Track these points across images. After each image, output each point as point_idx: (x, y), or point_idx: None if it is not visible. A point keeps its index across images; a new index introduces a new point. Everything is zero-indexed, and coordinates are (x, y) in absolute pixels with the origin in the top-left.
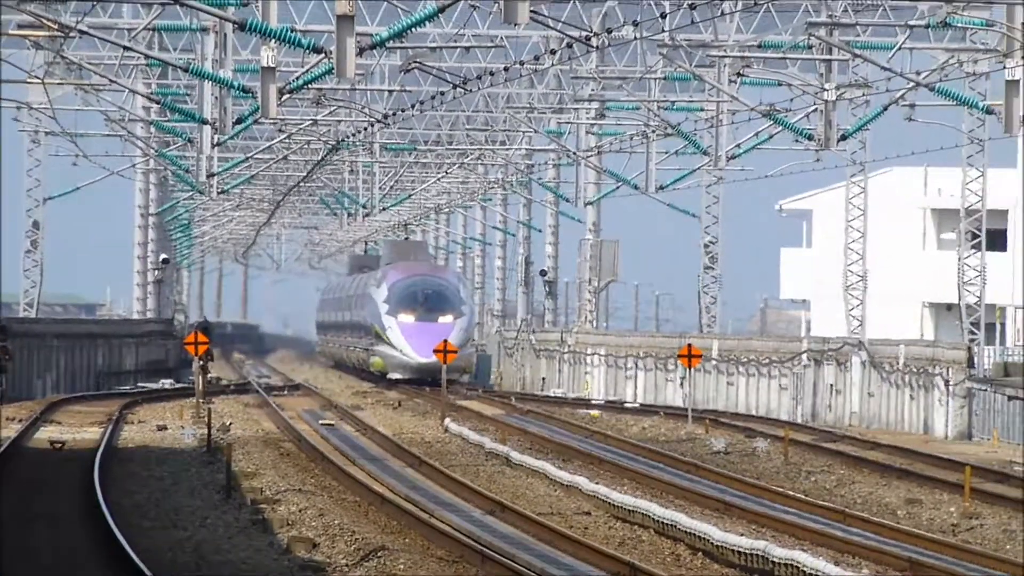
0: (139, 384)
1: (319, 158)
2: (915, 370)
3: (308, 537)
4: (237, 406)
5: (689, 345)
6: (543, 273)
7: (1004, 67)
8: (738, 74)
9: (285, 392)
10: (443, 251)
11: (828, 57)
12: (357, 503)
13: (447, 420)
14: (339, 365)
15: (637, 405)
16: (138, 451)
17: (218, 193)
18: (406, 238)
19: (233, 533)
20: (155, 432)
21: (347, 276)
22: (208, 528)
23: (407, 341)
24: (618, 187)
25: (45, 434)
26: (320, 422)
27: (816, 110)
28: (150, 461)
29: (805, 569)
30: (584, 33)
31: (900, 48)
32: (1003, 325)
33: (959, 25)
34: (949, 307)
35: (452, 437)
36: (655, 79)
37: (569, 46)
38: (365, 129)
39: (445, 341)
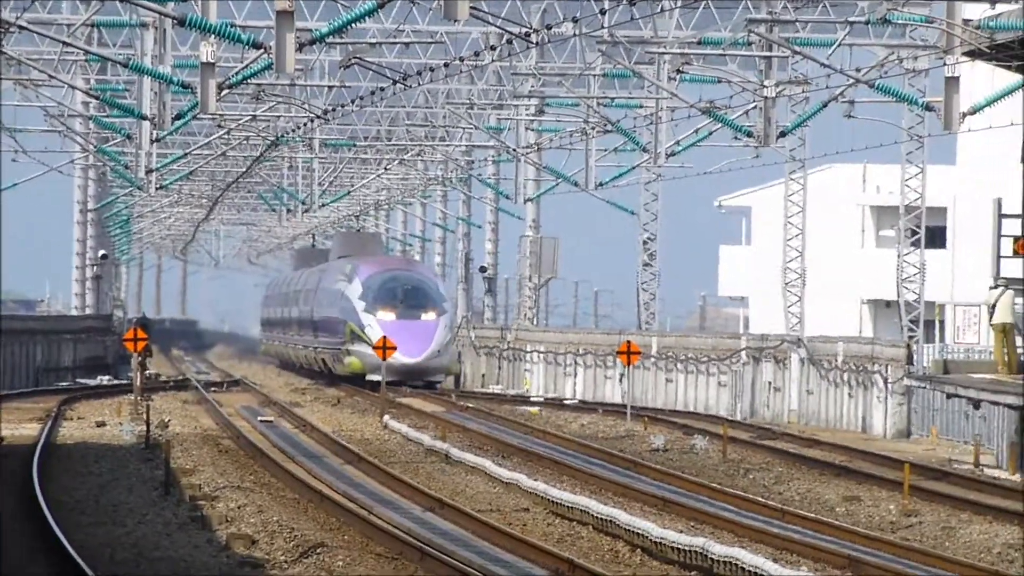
0: (78, 380)
1: (258, 154)
2: (854, 367)
3: (247, 534)
4: (176, 402)
5: (628, 342)
6: (483, 270)
7: (944, 63)
8: (677, 71)
9: (224, 388)
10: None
11: (767, 54)
12: (296, 500)
13: (386, 417)
14: (286, 364)
15: (576, 402)
16: (77, 447)
17: (157, 189)
18: (358, 229)
19: (172, 530)
20: (94, 428)
21: (294, 271)
22: (147, 525)
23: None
24: (558, 184)
25: None
26: (259, 418)
27: (755, 107)
28: (88, 458)
29: (744, 566)
30: (524, 29)
31: (840, 45)
32: (942, 322)
33: (899, 22)
34: (888, 304)
35: (392, 434)
36: (594, 76)
37: (509, 42)
38: (305, 125)
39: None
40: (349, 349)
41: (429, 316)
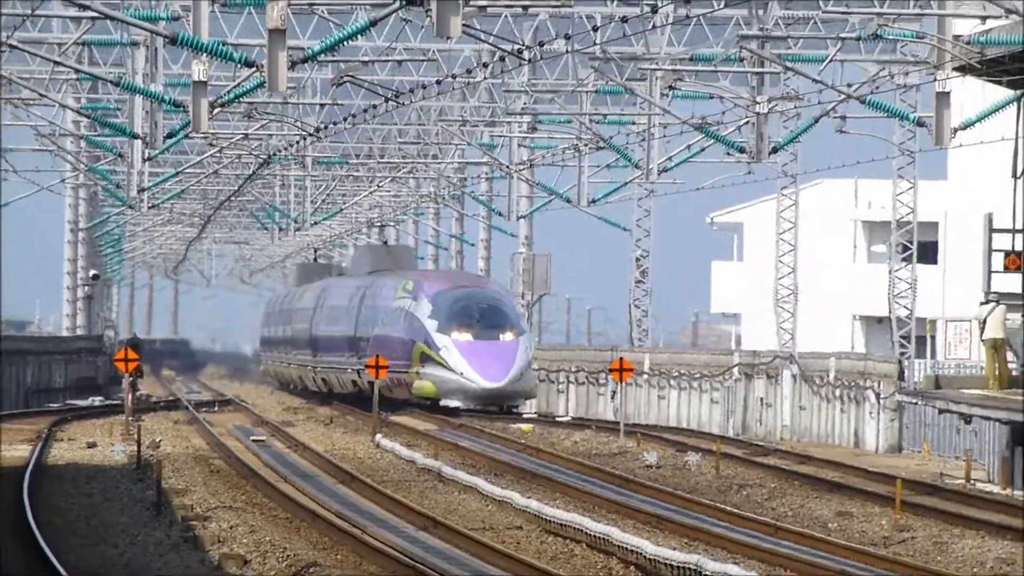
0: (68, 401)
1: (250, 172)
2: (846, 383)
3: (239, 554)
4: (167, 423)
5: (621, 359)
6: None
7: (935, 79)
8: (670, 87)
9: (216, 408)
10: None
11: (760, 70)
12: (289, 520)
13: (379, 436)
14: (286, 385)
15: (569, 419)
16: (68, 468)
17: (149, 208)
18: (384, 242)
19: (164, 550)
20: (85, 449)
21: (296, 287)
22: (139, 545)
23: (468, 363)
24: (550, 200)
25: None
26: (251, 438)
27: (748, 123)
28: (80, 478)
29: None
30: (516, 46)
31: (831, 60)
32: (933, 338)
33: (890, 37)
34: (880, 320)
35: (384, 453)
36: (587, 92)
37: (501, 59)
38: (297, 143)
39: (377, 356)
40: (420, 372)
41: (508, 336)
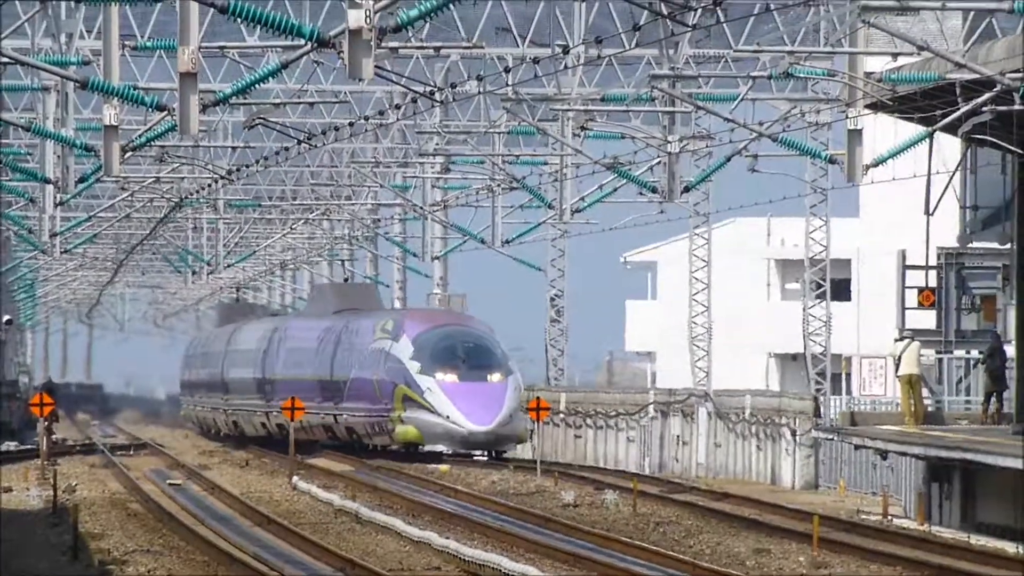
0: None
1: (162, 215)
2: (761, 420)
3: None
4: (83, 467)
5: (538, 398)
6: None
7: (846, 116)
8: (582, 127)
9: (131, 452)
10: (291, 308)
11: (671, 109)
12: (206, 562)
13: (295, 478)
14: (208, 431)
15: (486, 459)
16: None
17: (61, 253)
18: (345, 279)
19: None
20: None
21: (220, 328)
22: None
23: (455, 406)
24: (465, 241)
25: None
26: (167, 482)
27: (659, 162)
28: None
29: None
30: (428, 88)
31: (743, 99)
32: (848, 375)
33: (801, 75)
34: (795, 357)
35: (301, 495)
36: (499, 133)
37: (413, 101)
38: (209, 185)
39: (292, 399)
40: (403, 416)
41: (496, 377)
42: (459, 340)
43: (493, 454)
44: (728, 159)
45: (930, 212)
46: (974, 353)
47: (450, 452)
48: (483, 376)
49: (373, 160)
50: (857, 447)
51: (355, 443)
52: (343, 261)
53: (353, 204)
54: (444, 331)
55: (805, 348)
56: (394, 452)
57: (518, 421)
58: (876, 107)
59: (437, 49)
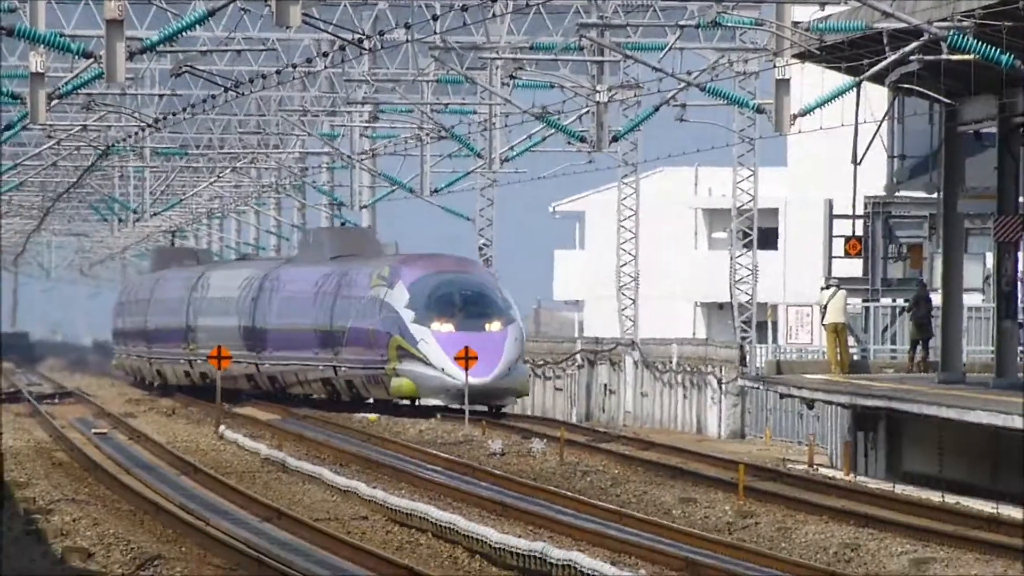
0: None
1: (89, 164)
2: (688, 369)
3: (83, 547)
4: (8, 415)
5: (466, 348)
6: None
7: (774, 66)
8: (510, 76)
9: (56, 400)
10: (216, 256)
11: (600, 59)
12: (132, 512)
13: (222, 427)
14: (144, 381)
15: (414, 407)
16: None
17: None
18: (343, 223)
19: (6, 543)
20: None
21: (152, 273)
22: None
23: (450, 357)
24: (393, 190)
25: None
26: (93, 431)
27: (588, 112)
28: None
29: (583, 570)
30: (356, 36)
31: (671, 48)
32: (775, 323)
33: (729, 25)
34: (721, 306)
35: (227, 444)
36: (428, 82)
37: (341, 49)
38: (135, 134)
39: (219, 348)
40: (397, 369)
41: (495, 326)
42: (456, 287)
43: (494, 409)
44: (656, 109)
45: (857, 161)
46: (900, 301)
47: (445, 407)
48: (481, 326)
49: (301, 108)
50: (783, 396)
51: (354, 398)
52: (340, 204)
53: (281, 152)
54: (441, 278)
55: (732, 297)
56: (317, 401)
57: (518, 373)
58: (804, 56)
59: None
